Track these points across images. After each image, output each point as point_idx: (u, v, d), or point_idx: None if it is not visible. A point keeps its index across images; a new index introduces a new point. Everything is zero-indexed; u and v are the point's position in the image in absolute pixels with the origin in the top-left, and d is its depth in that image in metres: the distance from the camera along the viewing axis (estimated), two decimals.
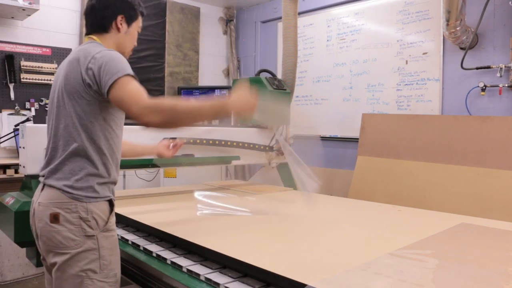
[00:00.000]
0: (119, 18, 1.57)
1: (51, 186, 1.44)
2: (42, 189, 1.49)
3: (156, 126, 1.36)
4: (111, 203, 1.51)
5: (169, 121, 1.35)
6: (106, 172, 1.48)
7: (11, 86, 3.66)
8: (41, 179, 1.52)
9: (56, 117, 1.48)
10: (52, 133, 1.50)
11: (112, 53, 1.43)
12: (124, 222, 1.90)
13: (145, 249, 1.58)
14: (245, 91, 1.45)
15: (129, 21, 1.61)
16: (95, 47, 1.46)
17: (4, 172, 3.20)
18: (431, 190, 3.03)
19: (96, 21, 1.56)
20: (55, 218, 1.40)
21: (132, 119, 1.36)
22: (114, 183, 1.54)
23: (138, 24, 1.66)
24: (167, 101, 1.35)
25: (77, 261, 1.40)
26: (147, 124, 1.34)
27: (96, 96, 1.42)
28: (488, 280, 1.14)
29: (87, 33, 1.59)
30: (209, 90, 4.69)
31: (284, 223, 1.84)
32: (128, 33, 1.62)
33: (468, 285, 1.10)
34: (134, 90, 1.36)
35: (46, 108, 3.84)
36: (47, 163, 1.50)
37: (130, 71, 1.40)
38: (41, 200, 1.46)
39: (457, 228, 1.74)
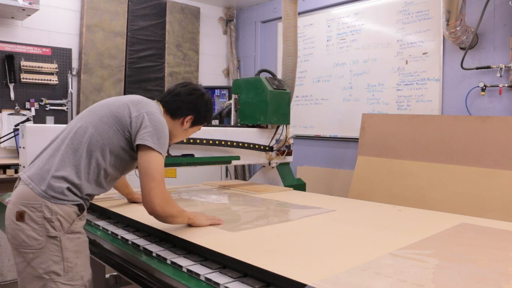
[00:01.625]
0: (189, 117, 1.72)
1: (23, 182, 1.49)
2: (16, 187, 1.54)
3: (156, 214, 1.49)
4: (80, 207, 1.53)
5: (165, 219, 1.53)
6: (81, 185, 1.52)
7: (11, 86, 3.66)
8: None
9: (86, 122, 1.57)
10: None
11: (164, 125, 1.56)
12: (124, 222, 1.90)
13: (145, 249, 1.58)
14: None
15: (194, 124, 1.76)
16: (154, 109, 1.60)
17: (4, 172, 3.20)
18: (431, 190, 3.03)
19: (172, 105, 1.71)
20: (20, 216, 1.43)
21: (142, 189, 1.48)
22: (88, 198, 1.59)
23: (199, 128, 1.83)
24: (172, 203, 1.53)
25: (39, 263, 1.42)
26: (151, 206, 1.47)
27: (126, 137, 1.55)
28: (488, 280, 1.14)
29: (160, 100, 1.73)
30: (209, 90, 4.69)
31: (284, 223, 1.84)
32: (186, 131, 1.78)
33: (468, 285, 1.10)
34: (160, 171, 1.50)
35: (46, 108, 3.84)
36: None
37: (164, 152, 1.54)
38: (11, 198, 1.51)
39: (457, 228, 1.74)
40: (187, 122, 1.72)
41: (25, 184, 1.48)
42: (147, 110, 1.56)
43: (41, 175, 1.48)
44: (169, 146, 1.83)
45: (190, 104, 1.71)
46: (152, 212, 1.49)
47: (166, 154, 2.34)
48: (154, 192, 1.46)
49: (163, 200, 1.48)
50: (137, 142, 1.51)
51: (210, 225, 1.67)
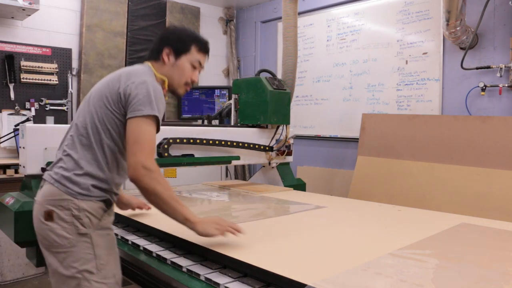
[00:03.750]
0: (166, 50, 1.61)
1: (47, 182, 1.47)
2: (41, 186, 1.51)
3: (139, 185, 1.39)
4: (107, 202, 1.51)
5: (149, 193, 1.39)
6: (106, 178, 1.49)
7: (11, 86, 3.66)
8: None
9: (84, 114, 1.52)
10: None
11: (150, 87, 1.46)
12: (124, 222, 1.90)
13: (145, 249, 1.58)
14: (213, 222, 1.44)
15: (177, 54, 1.62)
16: (142, 73, 1.52)
17: (4, 172, 3.20)
18: (431, 190, 3.03)
19: (153, 54, 1.64)
20: (49, 215, 1.41)
21: (127, 161, 1.41)
22: (113, 189, 1.54)
23: (191, 58, 1.64)
24: (162, 180, 1.39)
25: (72, 261, 1.39)
26: (134, 178, 1.38)
27: (122, 113, 1.47)
28: (488, 280, 1.14)
29: (147, 59, 1.67)
30: (209, 90, 4.69)
31: (284, 223, 1.84)
32: (176, 66, 1.62)
33: (468, 285, 1.10)
34: (146, 137, 1.41)
35: (46, 108, 3.84)
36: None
37: (155, 112, 1.43)
38: (37, 198, 1.48)
39: (457, 228, 1.74)
40: (166, 56, 1.61)
41: (49, 183, 1.46)
42: (133, 81, 1.47)
43: (65, 174, 1.45)
44: (178, 94, 1.70)
45: (160, 40, 1.64)
46: (138, 185, 1.39)
47: (166, 154, 2.34)
48: (139, 168, 1.37)
49: (148, 175, 1.37)
50: (129, 115, 1.43)
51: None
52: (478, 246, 1.49)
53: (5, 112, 3.64)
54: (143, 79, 1.48)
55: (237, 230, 1.43)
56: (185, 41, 1.64)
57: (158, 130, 1.48)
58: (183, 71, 1.64)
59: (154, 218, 1.81)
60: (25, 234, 1.72)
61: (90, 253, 1.41)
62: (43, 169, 1.93)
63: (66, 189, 1.42)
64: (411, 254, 1.35)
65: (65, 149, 1.51)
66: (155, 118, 1.45)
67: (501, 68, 3.01)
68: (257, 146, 2.78)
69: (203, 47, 1.67)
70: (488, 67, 3.11)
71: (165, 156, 2.33)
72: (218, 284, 1.23)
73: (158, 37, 1.68)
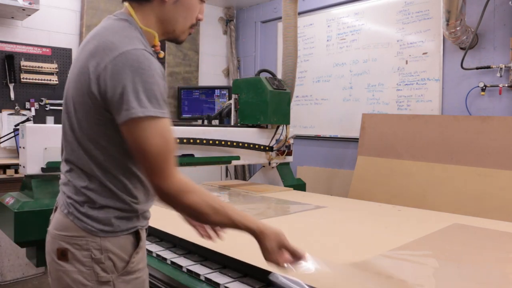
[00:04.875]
0: None
1: (59, 209, 1.14)
2: (55, 210, 1.17)
3: (178, 210, 1.08)
4: (137, 235, 1.15)
5: (193, 217, 1.09)
6: (129, 205, 1.13)
7: (11, 86, 3.66)
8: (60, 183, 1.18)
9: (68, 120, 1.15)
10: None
11: (142, 63, 1.01)
12: None
13: None
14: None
15: None
16: (118, 41, 1.04)
17: (4, 172, 3.20)
18: (431, 190, 3.03)
19: None
20: (62, 254, 1.09)
21: (146, 177, 1.05)
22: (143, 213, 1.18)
23: None
24: (208, 198, 1.05)
25: None
26: (165, 204, 1.05)
27: (108, 119, 1.05)
28: (489, 280, 1.14)
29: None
30: (209, 90, 4.69)
31: (283, 222, 1.84)
32: (180, 3, 1.15)
33: (468, 286, 1.10)
34: (153, 149, 1.00)
35: (46, 108, 3.84)
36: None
37: (160, 107, 1.01)
38: (50, 228, 1.14)
39: (453, 227, 1.74)
40: None
41: (62, 213, 1.11)
42: (106, 62, 1.01)
43: (77, 207, 1.09)
44: (181, 41, 1.23)
45: None
46: (161, 201, 1.04)
47: None
48: (164, 174, 1.01)
49: (180, 184, 1.03)
50: (119, 120, 1.00)
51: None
52: (477, 246, 1.49)
53: (5, 112, 3.64)
54: (121, 49, 1.01)
55: (300, 258, 1.10)
56: None
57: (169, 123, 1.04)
58: (190, 9, 1.18)
59: (154, 218, 1.81)
60: (25, 234, 1.72)
61: None
62: (43, 169, 1.93)
63: (84, 224, 1.08)
64: (411, 255, 1.35)
65: (67, 169, 1.14)
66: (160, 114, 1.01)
67: (501, 68, 3.01)
68: (257, 146, 2.78)
69: None
70: (488, 67, 3.11)
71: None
72: (218, 284, 1.23)
73: None
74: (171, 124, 1.05)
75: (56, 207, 1.16)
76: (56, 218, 1.14)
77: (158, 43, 1.17)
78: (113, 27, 1.11)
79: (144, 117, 0.98)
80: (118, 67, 1.00)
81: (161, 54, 1.20)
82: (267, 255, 1.08)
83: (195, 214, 1.06)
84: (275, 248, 1.08)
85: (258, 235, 1.08)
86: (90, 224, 1.08)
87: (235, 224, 1.07)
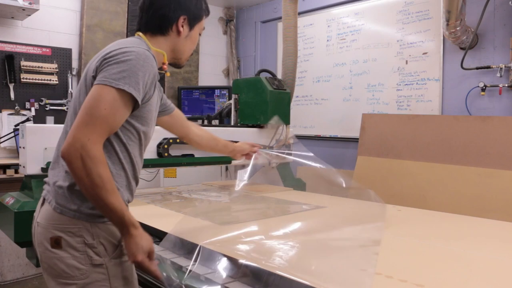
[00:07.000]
0: (181, 19, 1.34)
1: (47, 202, 1.22)
2: (42, 203, 1.26)
3: (69, 167, 1.10)
4: None
5: (79, 177, 1.09)
6: (123, 193, 1.25)
7: (11, 86, 3.66)
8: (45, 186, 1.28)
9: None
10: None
11: (131, 55, 1.16)
12: None
13: None
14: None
15: (192, 23, 1.37)
16: (125, 42, 1.23)
17: (4, 172, 3.20)
18: (431, 190, 3.02)
19: (154, 20, 1.32)
20: (56, 242, 1.17)
21: (66, 137, 1.12)
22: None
23: (201, 26, 1.42)
24: (102, 169, 1.09)
25: None
26: (65, 156, 1.09)
27: None
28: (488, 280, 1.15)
29: (137, 30, 1.35)
30: (209, 90, 4.69)
31: (282, 222, 1.83)
32: (189, 37, 1.38)
33: (469, 282, 1.11)
34: (102, 112, 1.10)
35: (46, 108, 3.85)
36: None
37: (129, 88, 1.13)
38: (39, 220, 1.23)
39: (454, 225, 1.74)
40: (182, 26, 1.34)
41: (51, 206, 1.20)
42: (108, 51, 1.20)
43: (68, 193, 1.19)
44: (182, 66, 1.43)
45: (169, 4, 1.32)
46: (67, 151, 1.08)
47: (166, 154, 2.34)
48: (73, 146, 1.07)
49: (80, 156, 1.06)
50: (95, 81, 1.16)
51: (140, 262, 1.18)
52: (480, 241, 1.49)
53: (5, 112, 3.65)
54: (128, 48, 1.18)
55: (155, 275, 1.19)
56: (200, 6, 1.39)
57: (131, 112, 1.18)
58: (194, 42, 1.42)
59: (154, 218, 1.81)
60: (25, 234, 1.71)
61: (106, 285, 1.20)
62: (43, 169, 1.93)
63: (74, 213, 1.17)
64: (410, 256, 1.36)
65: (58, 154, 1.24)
66: (129, 96, 1.14)
67: (501, 68, 3.01)
68: None
69: (208, 11, 1.45)
70: (488, 67, 3.11)
71: (165, 156, 2.34)
72: (218, 284, 1.23)
73: (162, 2, 1.32)
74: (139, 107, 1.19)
75: (44, 200, 1.24)
76: (46, 210, 1.22)
77: (166, 61, 1.37)
78: (120, 40, 1.27)
79: (116, 88, 1.12)
80: (116, 52, 1.17)
81: (168, 74, 1.42)
82: (136, 252, 1.15)
83: (87, 181, 1.08)
84: (146, 249, 1.17)
85: (134, 229, 1.16)
86: (78, 211, 1.17)
87: (120, 211, 1.13)
